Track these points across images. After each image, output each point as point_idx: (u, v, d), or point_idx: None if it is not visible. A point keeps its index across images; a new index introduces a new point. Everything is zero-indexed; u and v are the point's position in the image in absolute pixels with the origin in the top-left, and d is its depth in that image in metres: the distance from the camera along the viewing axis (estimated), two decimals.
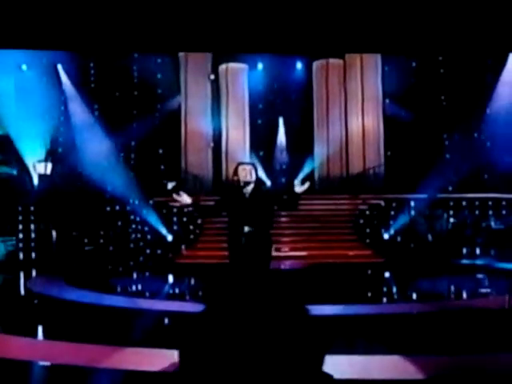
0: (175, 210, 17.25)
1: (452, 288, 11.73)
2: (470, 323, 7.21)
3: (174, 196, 6.46)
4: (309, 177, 21.29)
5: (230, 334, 1.09)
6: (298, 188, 6.27)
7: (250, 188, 6.34)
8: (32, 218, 16.81)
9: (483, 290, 10.79)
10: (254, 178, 6.39)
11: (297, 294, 1.19)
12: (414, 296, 10.59)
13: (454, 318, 7.62)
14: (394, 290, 11.82)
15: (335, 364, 4.97)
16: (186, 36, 14.31)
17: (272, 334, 1.09)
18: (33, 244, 16.63)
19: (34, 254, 16.54)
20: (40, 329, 7.48)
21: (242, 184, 6.35)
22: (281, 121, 22.90)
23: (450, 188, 18.47)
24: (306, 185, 6.33)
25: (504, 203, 17.78)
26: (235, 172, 6.51)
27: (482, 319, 7.44)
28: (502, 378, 4.79)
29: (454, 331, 6.76)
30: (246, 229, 6.25)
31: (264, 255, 6.31)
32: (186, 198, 6.37)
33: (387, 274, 13.65)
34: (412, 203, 17.50)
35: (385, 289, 11.93)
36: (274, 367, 1.06)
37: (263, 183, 19.97)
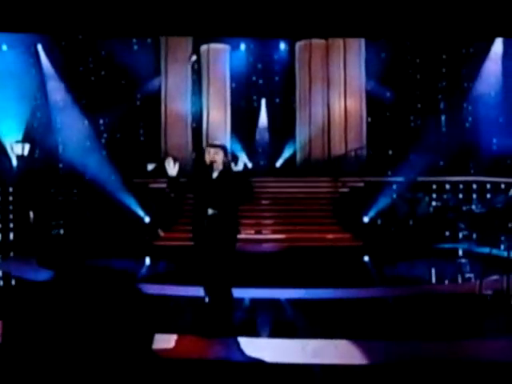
0: (154, 192, 17.09)
1: (428, 272, 11.66)
2: (436, 308, 7.15)
3: (166, 162, 6.18)
4: (290, 159, 21.25)
5: (56, 308, 1.06)
6: (235, 167, 6.16)
7: (217, 170, 6.23)
8: (10, 199, 16.59)
9: (459, 275, 10.75)
10: (220, 160, 6.27)
11: (129, 275, 1.13)
12: (389, 280, 10.51)
13: (420, 302, 7.56)
14: (370, 273, 11.75)
15: (289, 348, 4.89)
16: (166, 20, 14.06)
17: (99, 311, 1.04)
18: (11, 225, 16.45)
19: (11, 235, 16.38)
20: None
21: (209, 165, 6.24)
22: (263, 102, 22.68)
23: (433, 171, 18.29)
24: (241, 163, 6.18)
25: (488, 187, 17.65)
26: (204, 154, 6.44)
27: (450, 304, 7.39)
28: (458, 364, 4.72)
29: (419, 316, 6.69)
30: (210, 211, 6.13)
31: (227, 238, 6.18)
32: (173, 170, 6.13)
33: (366, 258, 13.56)
34: (394, 186, 17.39)
35: (360, 273, 11.83)
36: (99, 343, 1.02)
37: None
